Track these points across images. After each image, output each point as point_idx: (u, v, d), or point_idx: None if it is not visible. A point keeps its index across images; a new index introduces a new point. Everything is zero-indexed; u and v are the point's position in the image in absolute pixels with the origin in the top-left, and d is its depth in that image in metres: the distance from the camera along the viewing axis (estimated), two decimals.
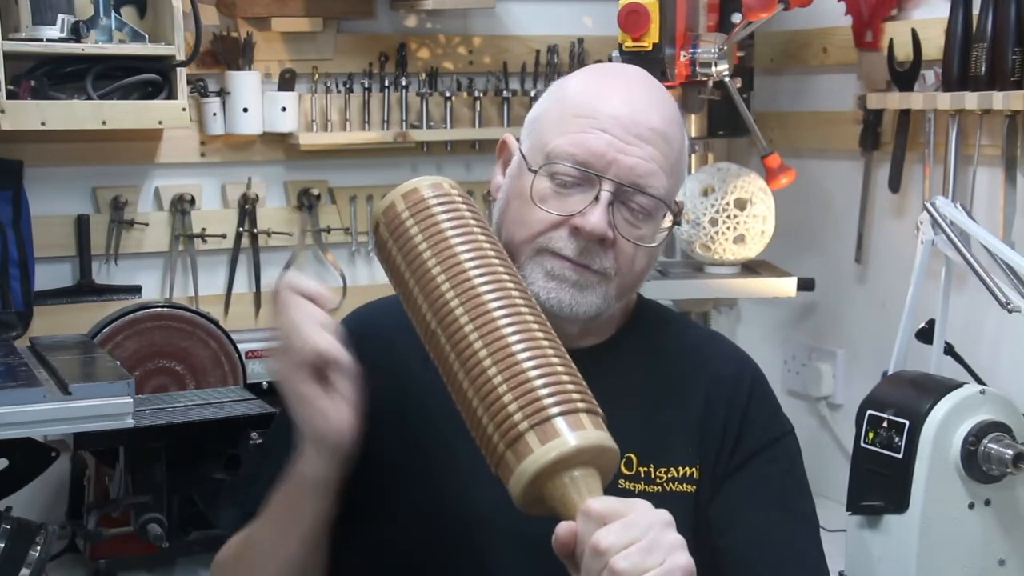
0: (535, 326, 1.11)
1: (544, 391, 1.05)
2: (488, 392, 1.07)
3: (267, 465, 1.44)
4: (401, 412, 1.37)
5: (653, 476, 1.34)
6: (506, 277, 1.15)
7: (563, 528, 1.05)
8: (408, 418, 1.37)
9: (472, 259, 1.14)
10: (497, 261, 1.16)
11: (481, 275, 1.13)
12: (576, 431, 1.04)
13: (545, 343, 1.10)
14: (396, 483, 1.36)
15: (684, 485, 1.35)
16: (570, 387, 1.07)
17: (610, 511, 1.04)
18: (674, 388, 1.39)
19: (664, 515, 1.05)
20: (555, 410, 1.05)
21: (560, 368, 1.08)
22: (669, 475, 1.34)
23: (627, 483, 1.32)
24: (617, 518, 1.03)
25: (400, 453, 1.37)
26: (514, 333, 1.09)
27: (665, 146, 1.33)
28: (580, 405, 1.06)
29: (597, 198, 1.30)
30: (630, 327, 1.43)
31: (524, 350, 1.08)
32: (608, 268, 1.32)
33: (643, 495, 1.31)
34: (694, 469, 1.35)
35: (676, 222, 1.40)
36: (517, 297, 1.13)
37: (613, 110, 1.32)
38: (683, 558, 1.04)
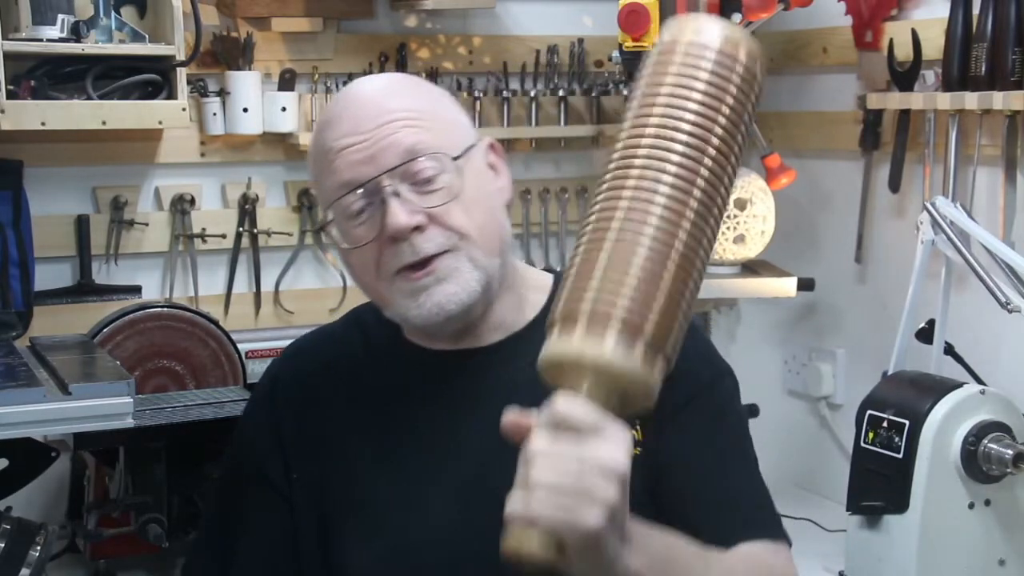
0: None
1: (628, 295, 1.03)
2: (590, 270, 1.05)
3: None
4: (342, 450, 1.39)
5: None
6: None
7: (512, 418, 1.03)
8: (348, 456, 1.39)
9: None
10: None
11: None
12: (618, 350, 1.01)
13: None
14: (340, 521, 1.38)
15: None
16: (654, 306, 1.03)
17: (565, 420, 1.00)
18: None
19: (616, 464, 0.99)
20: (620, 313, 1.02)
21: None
22: None
23: None
24: (570, 432, 0.99)
25: (340, 488, 1.39)
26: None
27: (404, 112, 1.32)
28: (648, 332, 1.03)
29: (384, 202, 1.29)
30: (543, 317, 1.42)
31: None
32: (445, 242, 1.30)
33: None
34: (635, 431, 1.33)
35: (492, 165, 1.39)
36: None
37: (342, 130, 1.32)
38: (594, 517, 0.97)
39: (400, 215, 1.28)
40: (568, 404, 1.01)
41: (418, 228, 1.29)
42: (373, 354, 1.44)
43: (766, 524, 1.32)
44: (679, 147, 1.06)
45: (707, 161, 1.06)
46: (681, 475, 1.29)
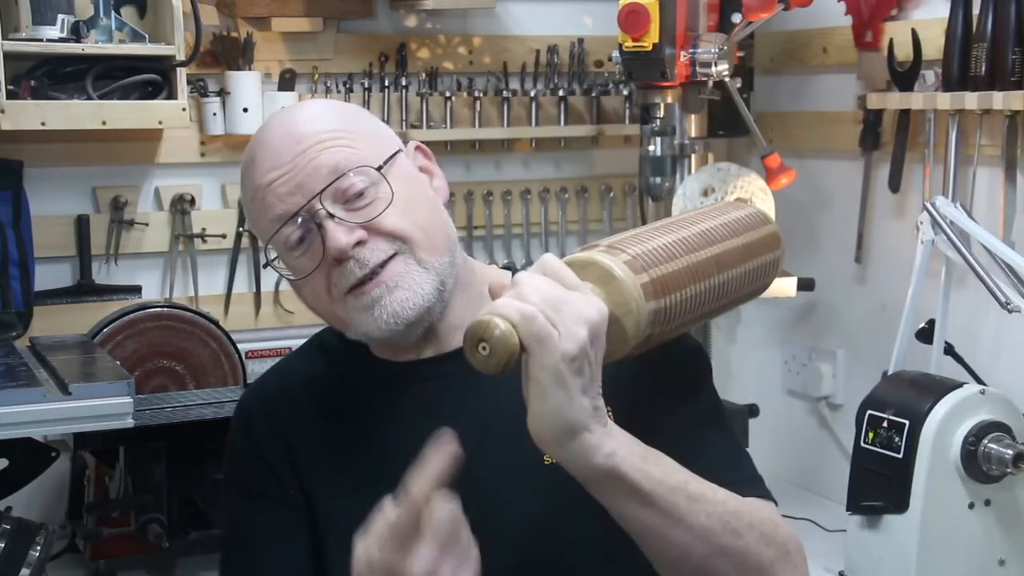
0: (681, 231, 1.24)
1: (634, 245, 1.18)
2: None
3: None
4: (321, 473, 1.39)
5: None
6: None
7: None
8: (327, 478, 1.39)
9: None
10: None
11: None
12: (626, 267, 1.14)
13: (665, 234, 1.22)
14: (328, 539, 1.38)
15: None
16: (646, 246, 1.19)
17: (554, 271, 1.09)
18: None
19: (591, 314, 1.07)
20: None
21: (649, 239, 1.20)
22: None
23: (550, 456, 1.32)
24: (555, 280, 1.08)
25: (324, 509, 1.39)
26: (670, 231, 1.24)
27: (321, 135, 1.32)
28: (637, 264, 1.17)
29: (320, 226, 1.29)
30: None
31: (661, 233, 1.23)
32: (388, 248, 1.30)
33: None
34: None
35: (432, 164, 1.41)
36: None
37: (264, 167, 1.32)
38: (566, 342, 1.04)
39: (339, 236, 1.28)
40: (557, 262, 1.10)
41: (360, 243, 1.29)
42: (340, 375, 1.44)
43: (751, 481, 1.31)
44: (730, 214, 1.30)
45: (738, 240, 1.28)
46: (659, 446, 1.28)
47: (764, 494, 1.30)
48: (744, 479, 1.30)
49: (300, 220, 1.30)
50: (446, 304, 1.36)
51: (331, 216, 1.29)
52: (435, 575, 1.07)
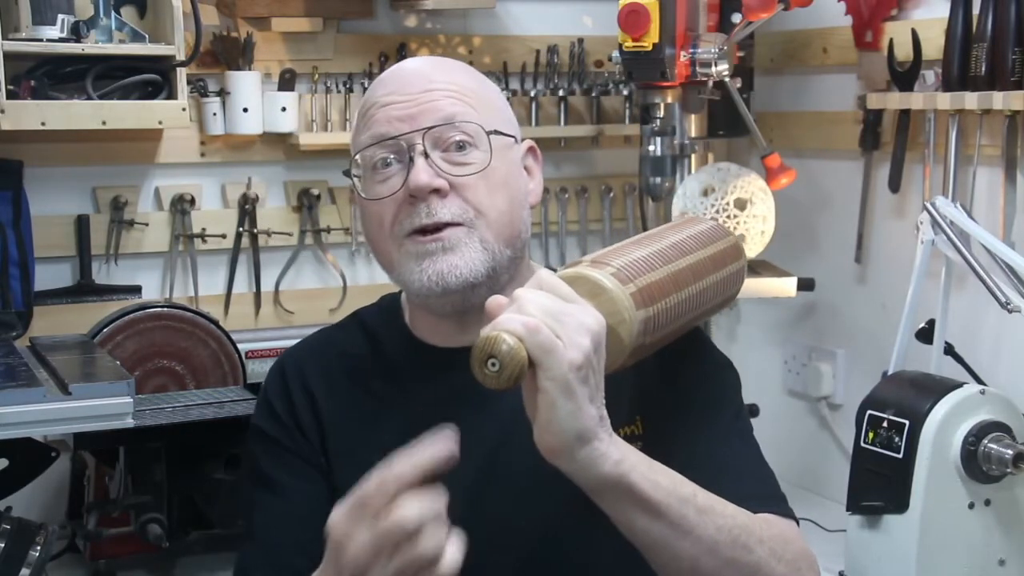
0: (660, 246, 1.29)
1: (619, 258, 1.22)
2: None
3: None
4: (347, 447, 1.39)
5: None
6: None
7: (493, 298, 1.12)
8: (353, 452, 1.38)
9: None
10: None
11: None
12: (612, 278, 1.17)
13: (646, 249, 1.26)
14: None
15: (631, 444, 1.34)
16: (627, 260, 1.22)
17: (550, 285, 1.10)
18: None
19: (592, 325, 1.08)
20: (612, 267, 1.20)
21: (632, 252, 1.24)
22: None
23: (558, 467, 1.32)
24: (553, 294, 1.10)
25: (349, 483, 1.38)
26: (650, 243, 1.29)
27: (452, 86, 1.35)
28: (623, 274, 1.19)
29: (412, 160, 1.31)
30: None
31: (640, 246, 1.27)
32: (461, 214, 1.31)
33: None
34: (634, 427, 1.34)
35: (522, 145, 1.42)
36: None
37: (388, 89, 1.35)
38: (572, 351, 1.05)
39: (423, 173, 1.30)
40: (552, 277, 1.12)
41: (438, 191, 1.31)
42: (377, 352, 1.44)
43: (773, 499, 1.32)
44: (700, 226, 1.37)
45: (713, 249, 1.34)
46: (684, 457, 1.27)
47: (784, 512, 1.31)
48: (764, 495, 1.30)
49: (397, 148, 1.32)
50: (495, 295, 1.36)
51: (426, 155, 1.31)
52: (366, 568, 1.02)
